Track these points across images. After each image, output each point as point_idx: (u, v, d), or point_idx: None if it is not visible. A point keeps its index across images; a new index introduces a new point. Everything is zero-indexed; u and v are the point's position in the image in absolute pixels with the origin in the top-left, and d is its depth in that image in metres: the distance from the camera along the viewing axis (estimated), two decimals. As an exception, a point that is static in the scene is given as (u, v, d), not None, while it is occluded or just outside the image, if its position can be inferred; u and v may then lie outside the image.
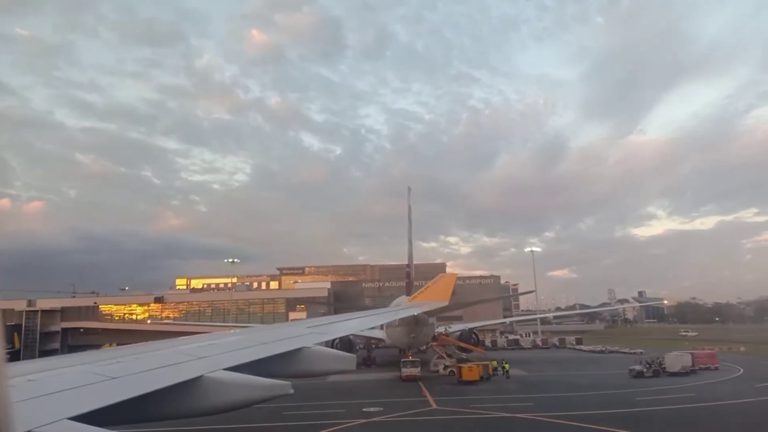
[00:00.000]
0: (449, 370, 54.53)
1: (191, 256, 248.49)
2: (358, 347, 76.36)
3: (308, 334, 11.38)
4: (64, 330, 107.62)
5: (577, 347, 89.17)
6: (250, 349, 9.19)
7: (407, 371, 51.24)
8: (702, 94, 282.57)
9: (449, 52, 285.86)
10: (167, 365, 7.42)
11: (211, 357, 8.22)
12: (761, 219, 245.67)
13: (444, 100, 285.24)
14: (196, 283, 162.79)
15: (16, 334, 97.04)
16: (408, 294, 54.48)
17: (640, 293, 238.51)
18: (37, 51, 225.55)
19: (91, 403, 5.23)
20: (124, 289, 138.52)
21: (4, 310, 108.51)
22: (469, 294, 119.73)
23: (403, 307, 25.34)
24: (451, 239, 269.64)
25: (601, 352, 79.77)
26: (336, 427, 31.12)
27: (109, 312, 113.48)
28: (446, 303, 26.31)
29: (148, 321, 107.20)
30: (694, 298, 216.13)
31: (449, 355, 59.80)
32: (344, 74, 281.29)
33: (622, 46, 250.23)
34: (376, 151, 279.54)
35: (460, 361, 57.70)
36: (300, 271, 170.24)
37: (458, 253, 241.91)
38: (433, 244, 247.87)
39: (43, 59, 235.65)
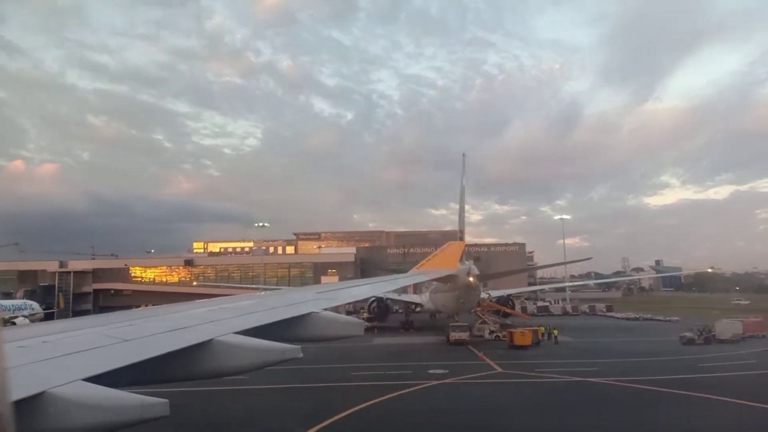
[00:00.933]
0: (495, 334, 54.99)
1: (203, 219, 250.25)
2: (393, 311, 77.29)
3: (317, 299, 11.58)
4: (96, 291, 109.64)
5: (609, 314, 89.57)
6: (260, 314, 9.34)
7: (456, 335, 51.65)
8: (721, 61, 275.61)
9: (464, 16, 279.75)
10: (179, 328, 7.52)
11: (222, 321, 8.33)
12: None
13: (458, 66, 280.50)
14: (213, 247, 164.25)
15: (61, 294, 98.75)
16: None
17: (657, 262, 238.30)
18: (48, 12, 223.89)
19: (105, 364, 5.28)
20: (150, 252, 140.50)
21: (36, 271, 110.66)
22: (495, 261, 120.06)
23: (409, 275, 25.36)
24: None
25: (636, 319, 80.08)
26: (417, 387, 31.44)
27: (140, 274, 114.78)
28: (454, 270, 26.18)
29: (194, 283, 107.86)
30: (712, 267, 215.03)
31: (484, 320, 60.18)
32: (356, 38, 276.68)
33: (641, 11, 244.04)
34: (387, 117, 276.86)
35: (503, 326, 58.12)
36: (316, 236, 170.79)
37: (468, 220, 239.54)
38: (443, 211, 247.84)
39: (54, 20, 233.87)
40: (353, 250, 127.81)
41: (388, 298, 74.27)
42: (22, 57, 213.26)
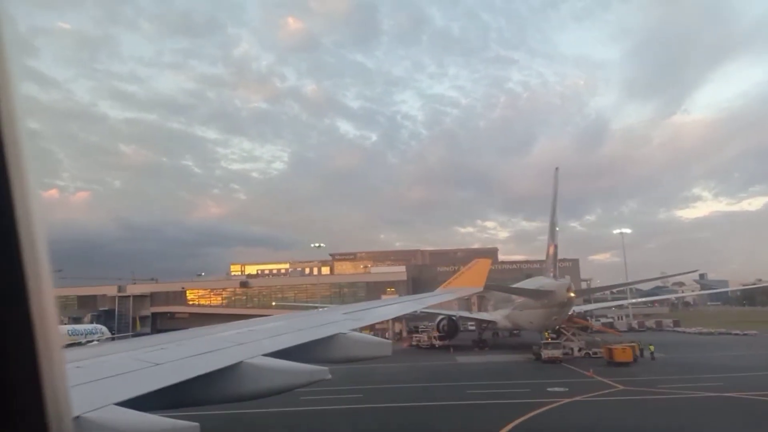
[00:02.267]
0: (584, 351, 53.93)
1: (231, 243, 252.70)
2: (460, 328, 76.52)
3: (344, 320, 11.55)
4: (154, 315, 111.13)
5: (677, 329, 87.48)
6: (288, 336, 9.36)
7: (549, 353, 50.76)
8: (749, 73, 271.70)
9: (486, 35, 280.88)
10: (208, 351, 7.57)
11: (250, 343, 8.35)
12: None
13: (481, 84, 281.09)
14: (250, 269, 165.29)
15: (137, 318, 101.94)
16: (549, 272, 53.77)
17: (702, 275, 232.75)
18: (78, 44, 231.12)
19: (136, 389, 5.34)
20: (200, 275, 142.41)
21: (96, 296, 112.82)
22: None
23: (436, 294, 25.15)
24: (489, 224, 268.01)
25: (710, 334, 78.03)
26: (552, 404, 30.90)
27: (193, 298, 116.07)
28: (480, 289, 26.00)
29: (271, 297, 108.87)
30: (759, 280, 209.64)
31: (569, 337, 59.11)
32: (380, 60, 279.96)
33: (665, 24, 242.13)
34: (411, 137, 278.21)
35: (590, 343, 56.95)
36: (352, 257, 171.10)
37: (496, 237, 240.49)
38: (470, 229, 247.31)
39: (84, 52, 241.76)
40: (403, 269, 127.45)
41: (457, 317, 73.91)
42: (54, 89, 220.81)
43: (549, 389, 36.30)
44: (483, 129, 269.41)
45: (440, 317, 74.20)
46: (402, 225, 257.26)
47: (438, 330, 72.79)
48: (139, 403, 5.09)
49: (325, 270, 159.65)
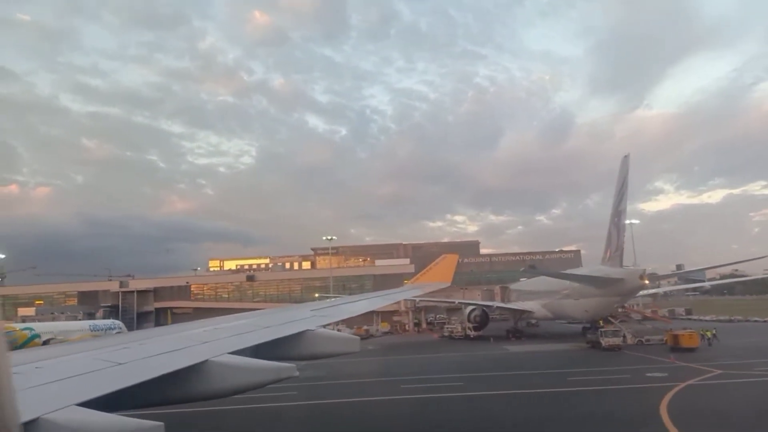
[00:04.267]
0: (638, 339, 54.43)
1: (200, 239, 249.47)
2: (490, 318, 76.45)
3: (312, 317, 11.83)
4: (157, 310, 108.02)
5: (691, 317, 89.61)
6: (255, 333, 9.50)
7: (610, 341, 50.94)
8: (708, 69, 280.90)
9: (454, 30, 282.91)
10: (173, 350, 7.57)
11: (216, 341, 8.49)
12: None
13: (449, 79, 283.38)
14: (230, 265, 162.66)
15: (170, 311, 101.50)
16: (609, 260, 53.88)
17: (679, 266, 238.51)
18: (39, 36, 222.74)
19: (98, 389, 5.29)
20: (196, 270, 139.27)
21: (98, 291, 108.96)
22: (551, 268, 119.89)
23: (404, 289, 25.58)
24: (458, 218, 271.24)
25: (730, 321, 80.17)
26: (676, 387, 30.87)
27: (201, 291, 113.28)
28: (448, 284, 26.40)
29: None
30: (736, 270, 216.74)
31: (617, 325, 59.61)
32: (348, 55, 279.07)
33: (629, 21, 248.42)
34: (381, 131, 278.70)
35: (639, 331, 57.48)
36: (334, 251, 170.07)
37: (465, 231, 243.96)
38: (440, 223, 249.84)
39: (46, 44, 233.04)
40: (407, 261, 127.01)
41: (494, 307, 73.98)
42: (13, 81, 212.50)
43: (648, 374, 36.40)
44: (451, 124, 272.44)
45: (471, 308, 74.11)
46: (372, 219, 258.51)
47: (469, 320, 72.62)
48: (102, 403, 5.01)
49: (306, 265, 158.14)
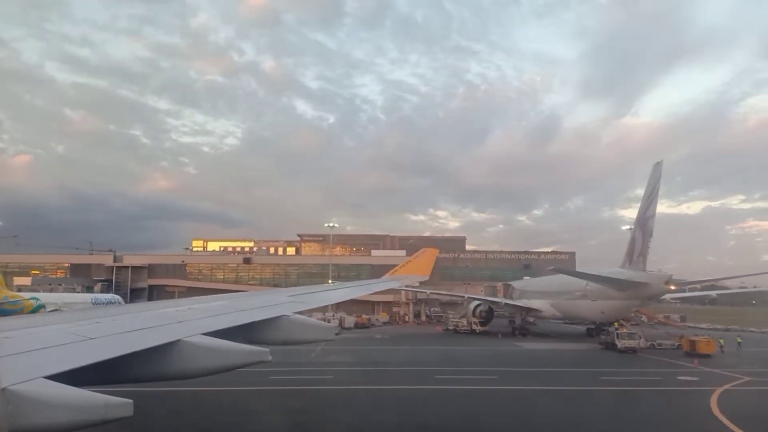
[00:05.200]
0: (650, 343, 54.90)
1: (180, 218, 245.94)
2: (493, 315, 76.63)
3: (288, 302, 11.90)
4: (151, 287, 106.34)
5: (687, 324, 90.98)
6: (230, 315, 9.56)
7: (626, 343, 51.33)
8: (697, 80, 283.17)
9: (449, 24, 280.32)
10: (146, 328, 7.56)
11: (191, 321, 8.49)
12: (747, 206, 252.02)
13: (441, 73, 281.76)
14: (213, 246, 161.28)
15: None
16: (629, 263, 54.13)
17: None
18: (28, 2, 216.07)
19: (68, 362, 5.32)
20: (188, 249, 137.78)
21: (90, 265, 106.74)
22: (545, 269, 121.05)
23: (383, 280, 26.11)
24: (440, 213, 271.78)
25: (727, 330, 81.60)
26: (716, 389, 31.15)
27: (196, 271, 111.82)
28: (427, 278, 27.00)
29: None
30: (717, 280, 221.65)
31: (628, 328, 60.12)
32: (341, 41, 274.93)
33: (622, 27, 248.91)
34: (370, 121, 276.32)
35: (652, 335, 57.96)
36: (320, 239, 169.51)
37: (446, 227, 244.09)
38: (422, 217, 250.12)
39: (34, 11, 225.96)
40: (403, 253, 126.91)
41: (490, 303, 74.24)
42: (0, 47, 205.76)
43: (679, 378, 36.74)
44: (441, 118, 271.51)
45: (477, 303, 74.22)
46: (357, 208, 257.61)
47: (474, 315, 72.80)
48: (71, 377, 4.92)
49: (291, 250, 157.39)
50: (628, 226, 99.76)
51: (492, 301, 76.18)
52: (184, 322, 8.18)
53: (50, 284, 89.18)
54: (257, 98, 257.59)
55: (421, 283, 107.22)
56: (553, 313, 68.10)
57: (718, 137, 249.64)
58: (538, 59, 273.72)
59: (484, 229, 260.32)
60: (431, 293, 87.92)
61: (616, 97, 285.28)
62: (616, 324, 55.67)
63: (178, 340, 6.76)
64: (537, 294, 72.62)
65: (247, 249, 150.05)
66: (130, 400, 4.88)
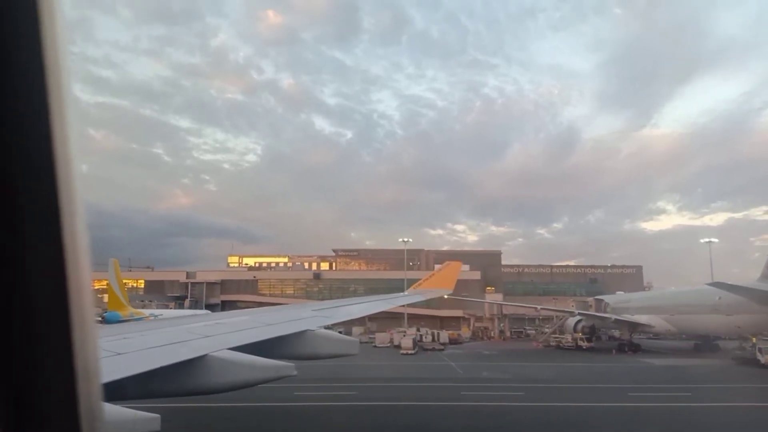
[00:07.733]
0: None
1: (201, 234, 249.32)
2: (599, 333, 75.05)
3: (313, 317, 11.78)
4: (223, 302, 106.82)
5: None
6: (256, 330, 9.44)
7: (769, 358, 49.68)
8: (717, 90, 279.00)
9: (465, 39, 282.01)
10: (173, 343, 7.55)
11: (217, 336, 8.49)
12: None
13: (457, 88, 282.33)
14: (249, 261, 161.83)
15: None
16: None
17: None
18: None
19: None
20: (235, 265, 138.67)
21: (163, 281, 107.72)
22: (613, 284, 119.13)
23: (407, 294, 25.12)
24: (458, 227, 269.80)
25: None
26: None
27: (266, 287, 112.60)
28: (451, 291, 26.06)
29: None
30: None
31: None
32: (358, 58, 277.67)
33: (639, 39, 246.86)
34: (387, 136, 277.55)
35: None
36: (355, 254, 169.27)
37: (465, 241, 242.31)
38: (440, 231, 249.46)
39: None
40: (467, 267, 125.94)
41: (612, 318, 72.64)
42: None
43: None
44: (458, 132, 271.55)
45: (578, 319, 72.93)
46: (375, 223, 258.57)
47: (575, 331, 71.57)
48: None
49: (324, 266, 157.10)
50: (707, 239, 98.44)
51: (595, 316, 74.62)
52: (210, 337, 8.25)
53: (142, 300, 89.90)
54: (276, 115, 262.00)
55: (490, 297, 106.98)
56: (667, 328, 66.41)
57: (739, 147, 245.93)
58: (555, 72, 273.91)
59: (503, 242, 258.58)
60: (525, 307, 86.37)
61: (635, 108, 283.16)
62: (754, 339, 53.90)
63: (205, 355, 6.83)
64: (643, 309, 71.08)
65: (281, 264, 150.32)
66: (158, 415, 4.95)
